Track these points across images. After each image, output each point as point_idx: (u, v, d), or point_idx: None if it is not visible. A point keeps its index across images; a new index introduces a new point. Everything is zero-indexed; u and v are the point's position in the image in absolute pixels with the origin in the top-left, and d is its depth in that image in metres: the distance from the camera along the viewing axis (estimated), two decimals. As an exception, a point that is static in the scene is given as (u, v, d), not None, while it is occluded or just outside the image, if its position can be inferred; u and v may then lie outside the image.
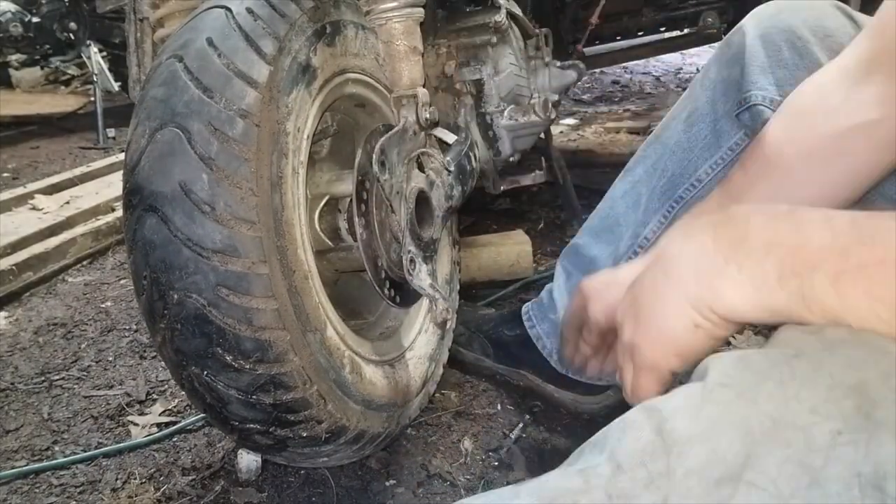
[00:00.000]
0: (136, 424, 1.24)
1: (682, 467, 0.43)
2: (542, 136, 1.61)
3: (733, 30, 1.05)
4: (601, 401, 1.27)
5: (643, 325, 0.58)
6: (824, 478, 0.39)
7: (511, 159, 1.48)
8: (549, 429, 1.24)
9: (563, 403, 1.28)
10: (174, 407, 1.29)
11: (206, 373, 0.82)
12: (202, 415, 1.18)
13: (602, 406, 1.27)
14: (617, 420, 0.49)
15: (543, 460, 1.16)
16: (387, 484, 1.09)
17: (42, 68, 3.71)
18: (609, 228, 1.18)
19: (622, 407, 0.52)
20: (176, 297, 0.79)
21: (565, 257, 1.26)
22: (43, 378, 1.40)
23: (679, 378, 0.60)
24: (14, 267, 1.78)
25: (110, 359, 1.47)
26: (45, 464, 1.14)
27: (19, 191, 2.25)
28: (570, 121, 3.26)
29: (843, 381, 0.42)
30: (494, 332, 1.35)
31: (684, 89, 1.17)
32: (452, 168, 1.12)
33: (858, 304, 0.46)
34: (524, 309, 1.31)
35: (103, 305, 1.71)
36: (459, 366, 1.37)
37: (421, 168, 1.05)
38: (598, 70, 4.15)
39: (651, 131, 1.19)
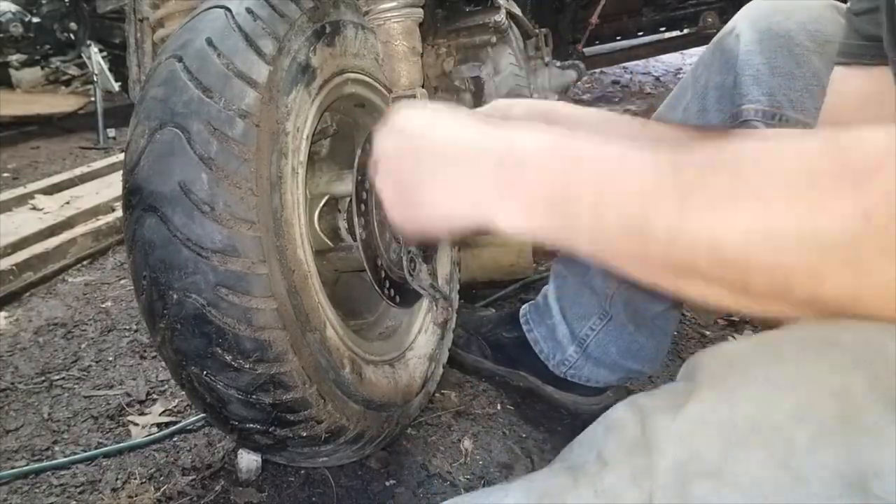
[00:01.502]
0: (137, 424, 1.24)
1: (663, 463, 0.44)
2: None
3: (725, 29, 1.01)
4: (601, 402, 1.27)
5: (411, 211, 0.59)
6: (806, 477, 0.39)
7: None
8: (549, 429, 1.24)
9: (563, 404, 1.28)
10: (174, 407, 1.29)
11: (205, 372, 0.82)
12: (202, 415, 1.18)
13: (602, 407, 1.27)
14: (602, 418, 0.50)
15: (543, 460, 1.16)
16: (387, 484, 1.09)
17: (42, 68, 3.71)
18: None
19: None
20: (175, 296, 0.79)
21: (559, 262, 1.26)
22: (43, 378, 1.40)
23: None
24: (14, 267, 1.78)
25: (110, 359, 1.47)
26: (45, 464, 1.14)
27: (19, 191, 2.25)
28: (570, 121, 3.26)
29: (827, 386, 0.41)
30: (492, 334, 1.35)
31: (684, 89, 1.16)
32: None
33: (611, 229, 0.47)
34: (522, 311, 1.31)
35: (103, 305, 1.71)
36: (459, 366, 1.37)
37: None
38: (597, 70, 4.15)
39: None
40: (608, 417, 0.50)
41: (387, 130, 0.61)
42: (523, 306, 1.32)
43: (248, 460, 1.09)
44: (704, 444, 0.43)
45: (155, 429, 1.23)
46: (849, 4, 0.77)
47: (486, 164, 0.53)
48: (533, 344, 1.27)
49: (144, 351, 1.49)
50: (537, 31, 1.60)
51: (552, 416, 1.27)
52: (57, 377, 1.40)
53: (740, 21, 0.99)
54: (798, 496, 0.39)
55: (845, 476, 0.38)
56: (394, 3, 0.94)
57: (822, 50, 0.91)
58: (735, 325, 1.54)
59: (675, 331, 1.29)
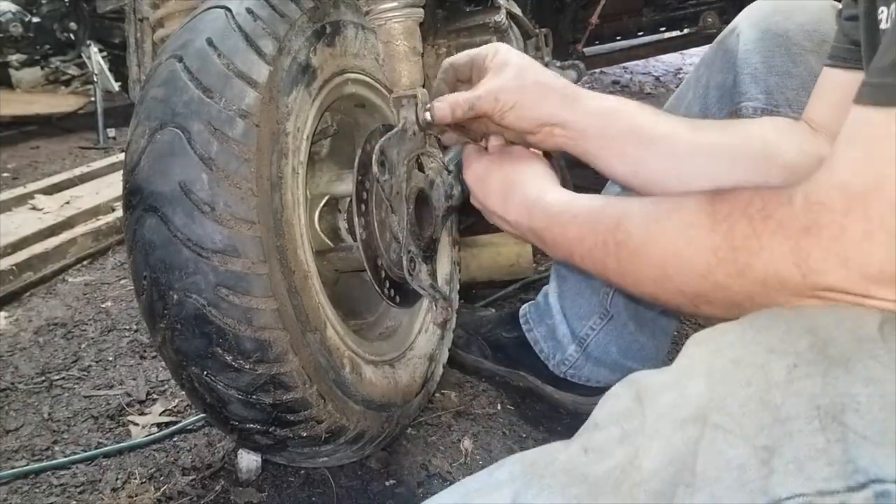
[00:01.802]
0: (137, 424, 1.24)
1: (653, 413, 0.47)
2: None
3: (727, 29, 1.03)
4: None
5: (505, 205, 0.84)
6: (786, 415, 0.41)
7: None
8: (549, 429, 1.24)
9: (563, 404, 1.28)
10: (174, 407, 1.29)
11: (206, 373, 0.82)
12: (202, 415, 1.18)
13: None
14: (604, 395, 0.55)
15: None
16: (387, 484, 1.09)
17: (42, 68, 3.70)
18: None
19: None
20: (176, 297, 0.79)
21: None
22: (43, 378, 1.40)
23: None
24: (14, 267, 1.78)
25: (110, 359, 1.47)
26: (45, 464, 1.14)
27: (19, 191, 2.25)
28: (570, 121, 3.26)
29: (798, 326, 0.46)
30: (492, 334, 1.35)
31: (684, 89, 1.16)
32: (452, 168, 1.11)
33: (589, 269, 0.71)
34: (521, 311, 1.31)
35: (103, 305, 1.71)
36: (459, 366, 1.37)
37: (421, 168, 1.05)
38: (597, 70, 4.15)
39: None
40: (606, 394, 0.55)
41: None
42: (523, 306, 1.32)
43: (248, 460, 1.09)
44: (691, 389, 0.46)
45: (155, 429, 1.23)
46: (841, 7, 0.78)
47: (523, 217, 0.82)
48: (533, 344, 1.27)
49: (144, 351, 1.49)
50: (537, 31, 1.60)
51: (552, 416, 1.27)
52: (57, 377, 1.40)
53: (741, 21, 1.00)
54: (779, 433, 0.41)
55: (822, 408, 0.40)
56: (394, 4, 0.94)
57: (819, 50, 0.91)
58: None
59: (675, 331, 1.29)
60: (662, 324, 1.20)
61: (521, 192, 0.81)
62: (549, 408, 1.28)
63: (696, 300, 0.57)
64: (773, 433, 0.41)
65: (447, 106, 0.86)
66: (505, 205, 0.83)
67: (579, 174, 2.17)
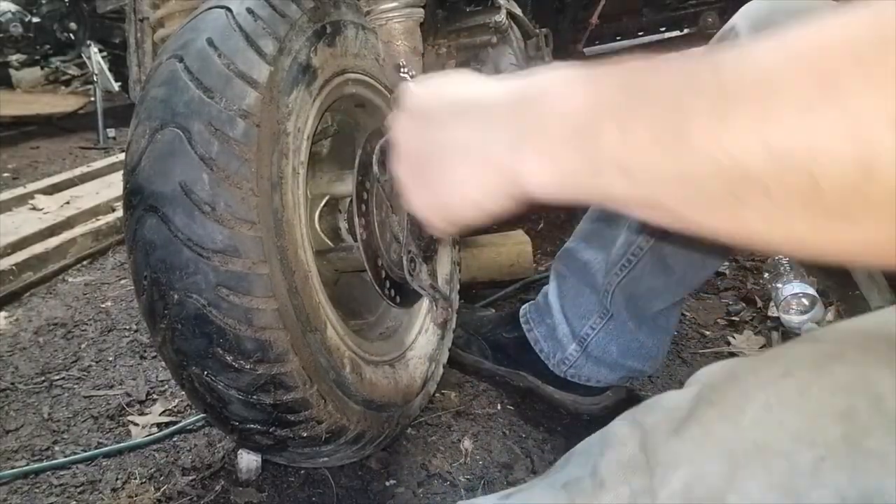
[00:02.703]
0: (137, 424, 1.24)
1: (665, 490, 0.42)
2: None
3: (724, 28, 1.00)
4: (601, 402, 1.27)
5: (434, 198, 0.49)
6: (809, 501, 0.38)
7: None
8: (549, 429, 1.24)
9: (564, 404, 1.28)
10: (174, 407, 1.29)
11: (206, 373, 0.82)
12: (202, 415, 1.18)
13: (602, 407, 1.27)
14: (601, 431, 0.49)
15: (543, 461, 1.16)
16: (387, 484, 1.09)
17: (42, 68, 3.71)
18: (599, 232, 1.18)
19: (621, 408, 0.52)
20: (176, 297, 0.79)
21: (559, 260, 1.25)
22: (43, 378, 1.40)
23: None
24: (14, 267, 1.78)
25: (110, 359, 1.47)
26: (45, 464, 1.14)
27: (19, 191, 2.25)
28: (570, 121, 3.27)
29: (831, 407, 0.40)
30: (492, 334, 1.35)
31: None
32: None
33: (645, 144, 0.38)
34: (522, 311, 1.31)
35: (103, 305, 1.71)
36: (459, 366, 1.37)
37: None
38: (598, 70, 4.15)
39: None
40: (606, 433, 0.48)
41: (398, 114, 0.53)
42: (523, 306, 1.32)
43: (248, 460, 1.09)
44: (708, 468, 0.41)
45: (155, 429, 1.23)
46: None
47: (500, 116, 0.44)
48: (533, 343, 1.27)
49: (144, 351, 1.49)
50: (538, 31, 1.60)
51: (552, 416, 1.27)
52: (57, 377, 1.40)
53: (739, 20, 0.98)
54: None
55: (848, 499, 0.37)
56: (395, 4, 0.94)
57: None
58: (735, 325, 1.54)
59: (675, 330, 1.29)
60: (662, 322, 1.20)
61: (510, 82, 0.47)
62: (549, 408, 1.28)
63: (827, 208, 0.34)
64: None
65: None
66: (475, 95, 0.48)
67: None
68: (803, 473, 0.39)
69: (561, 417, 1.27)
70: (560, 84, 0.43)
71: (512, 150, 0.43)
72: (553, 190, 0.42)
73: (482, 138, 0.45)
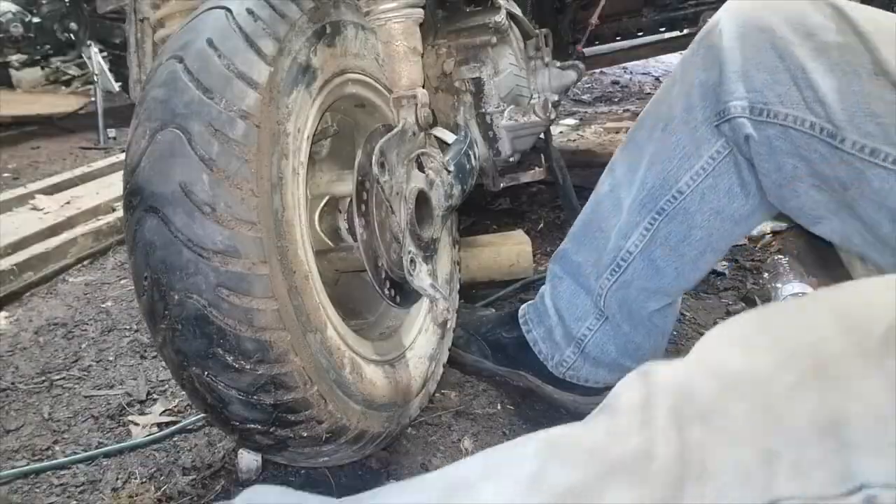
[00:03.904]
0: (137, 424, 1.24)
1: (663, 409, 0.49)
2: (542, 136, 1.61)
3: (708, 26, 0.99)
4: (600, 401, 1.27)
5: None
6: (788, 424, 0.45)
7: (511, 159, 1.48)
8: (560, 421, 1.24)
9: (563, 404, 1.28)
10: (175, 407, 1.29)
11: (206, 373, 0.82)
12: (203, 415, 1.18)
13: None
14: (616, 385, 0.57)
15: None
16: (387, 483, 1.09)
17: (42, 68, 3.71)
18: (591, 234, 1.17)
19: None
20: (177, 297, 0.79)
21: (555, 262, 1.25)
22: (43, 378, 1.40)
23: None
24: (15, 267, 1.78)
25: (111, 359, 1.47)
26: (45, 464, 1.14)
27: (20, 191, 2.25)
28: (570, 121, 3.27)
29: (807, 340, 0.48)
30: (492, 334, 1.35)
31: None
32: (452, 168, 1.12)
33: None
34: (521, 311, 1.31)
35: (104, 305, 1.71)
36: (459, 366, 1.37)
37: (421, 168, 1.06)
38: (597, 70, 4.15)
39: None
40: (620, 383, 0.56)
41: None
42: (522, 306, 1.32)
43: (249, 460, 1.10)
44: (698, 388, 0.49)
45: (155, 428, 1.23)
46: None
47: None
48: (532, 344, 1.27)
49: (145, 351, 1.49)
50: (537, 31, 1.60)
51: (552, 416, 1.27)
52: (57, 377, 1.40)
53: (723, 16, 0.97)
54: (781, 439, 0.44)
55: (819, 421, 0.44)
56: (394, 4, 0.94)
57: (806, 43, 0.89)
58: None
59: (672, 330, 1.29)
60: (658, 322, 1.19)
61: None
62: (549, 408, 1.28)
63: None
64: (775, 439, 0.44)
65: None
66: None
67: (579, 174, 2.18)
68: (779, 396, 0.46)
69: (561, 417, 1.27)
70: None
71: None
72: None
73: None
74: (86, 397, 1.33)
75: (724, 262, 1.73)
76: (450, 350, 1.25)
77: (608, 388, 1.26)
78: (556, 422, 1.23)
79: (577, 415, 1.27)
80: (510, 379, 1.33)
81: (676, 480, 0.46)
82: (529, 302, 1.32)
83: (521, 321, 1.29)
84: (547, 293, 1.26)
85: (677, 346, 1.47)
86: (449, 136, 1.18)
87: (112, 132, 3.21)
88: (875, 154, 0.83)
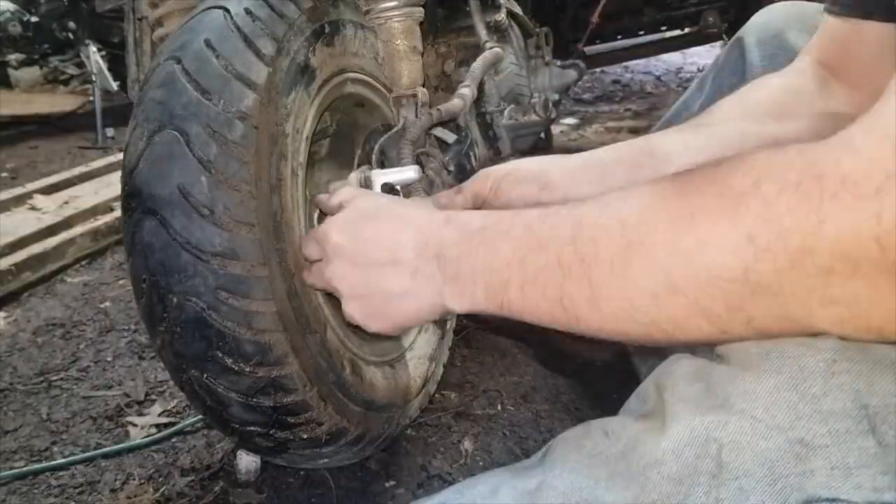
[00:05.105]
0: (135, 425, 1.24)
1: (672, 397, 0.46)
2: (543, 135, 1.61)
3: (740, 32, 1.04)
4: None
5: (376, 317, 0.71)
6: (828, 409, 0.36)
7: (511, 159, 1.48)
8: (550, 429, 1.24)
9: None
10: (173, 408, 1.29)
11: (205, 376, 0.81)
12: (202, 416, 1.18)
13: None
14: (631, 396, 0.55)
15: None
16: (386, 485, 1.09)
17: (41, 68, 3.70)
18: None
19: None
20: (175, 300, 0.78)
21: None
22: (41, 378, 1.39)
23: None
24: (13, 267, 1.78)
25: (109, 359, 1.46)
26: (43, 464, 1.13)
27: (18, 190, 2.24)
28: (571, 120, 3.26)
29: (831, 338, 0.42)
30: None
31: (685, 89, 1.16)
32: (452, 168, 1.11)
33: (541, 307, 0.53)
34: None
35: (102, 306, 1.70)
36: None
37: (421, 168, 1.05)
38: (598, 69, 4.15)
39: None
40: (634, 394, 0.54)
41: (337, 222, 0.74)
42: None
43: (248, 461, 1.09)
44: (715, 375, 0.44)
45: (154, 429, 1.22)
46: None
47: (424, 273, 0.64)
48: None
49: (143, 351, 1.48)
50: (538, 30, 1.60)
51: (553, 416, 1.27)
52: (55, 378, 1.40)
53: (749, 24, 1.01)
54: (820, 428, 0.36)
55: (870, 407, 0.36)
56: (394, 3, 0.94)
57: None
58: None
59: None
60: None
61: (415, 223, 0.66)
62: (549, 408, 1.28)
63: (727, 320, 0.43)
64: (810, 427, 0.37)
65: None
66: (395, 248, 0.66)
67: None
68: (814, 373, 0.38)
69: (562, 418, 1.27)
70: (463, 243, 0.61)
71: (440, 295, 0.64)
72: (469, 311, 0.62)
73: (415, 288, 0.65)
74: (84, 398, 1.33)
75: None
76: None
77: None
78: (555, 423, 1.24)
79: (579, 418, 1.27)
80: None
81: (685, 477, 0.41)
82: None
83: None
84: None
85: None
86: (450, 137, 1.17)
87: (110, 131, 3.21)
88: None
